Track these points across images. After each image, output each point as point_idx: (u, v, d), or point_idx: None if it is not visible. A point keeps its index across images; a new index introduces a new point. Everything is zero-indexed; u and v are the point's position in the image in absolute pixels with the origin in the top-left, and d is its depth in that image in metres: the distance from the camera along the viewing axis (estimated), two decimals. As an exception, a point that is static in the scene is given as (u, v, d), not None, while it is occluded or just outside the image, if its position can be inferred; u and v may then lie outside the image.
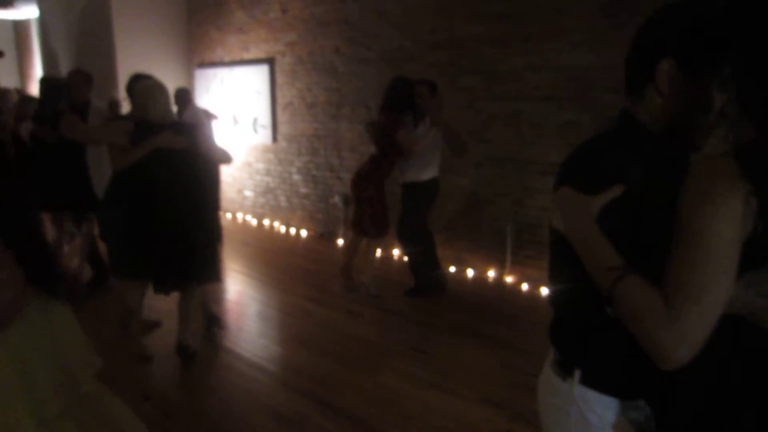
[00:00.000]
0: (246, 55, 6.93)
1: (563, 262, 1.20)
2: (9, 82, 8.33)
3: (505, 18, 4.53)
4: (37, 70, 8.49)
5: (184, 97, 5.30)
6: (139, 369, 3.30)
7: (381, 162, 4.14)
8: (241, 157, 7.30)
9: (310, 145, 6.38)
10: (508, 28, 4.52)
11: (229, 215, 7.46)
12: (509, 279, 4.80)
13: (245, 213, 7.42)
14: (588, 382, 1.17)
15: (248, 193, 7.35)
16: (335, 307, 4.16)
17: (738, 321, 0.94)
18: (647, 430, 1.15)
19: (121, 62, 6.87)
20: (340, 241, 5.99)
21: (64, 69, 7.91)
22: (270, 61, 6.60)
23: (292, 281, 4.85)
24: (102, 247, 4.00)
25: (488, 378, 3.16)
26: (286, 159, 6.71)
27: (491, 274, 4.94)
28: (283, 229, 6.78)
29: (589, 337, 1.18)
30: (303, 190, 6.59)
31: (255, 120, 6.90)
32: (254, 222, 7.20)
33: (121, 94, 5.52)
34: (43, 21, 8.17)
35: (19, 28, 9.86)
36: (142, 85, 3.17)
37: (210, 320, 3.79)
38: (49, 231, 4.27)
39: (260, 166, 7.09)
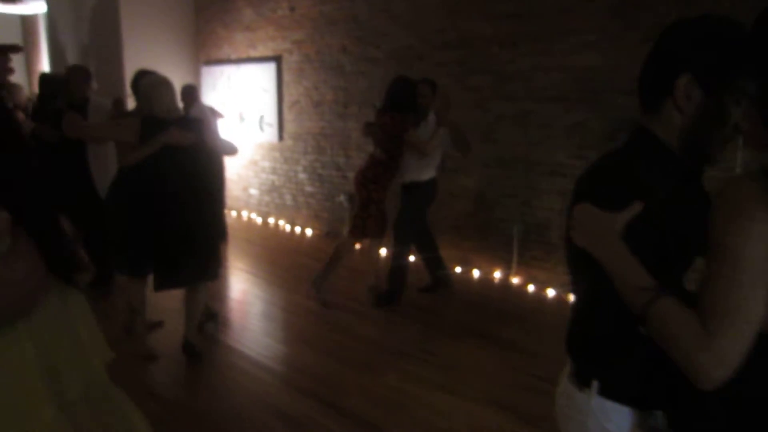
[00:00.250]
0: (253, 53, 6.92)
1: (584, 277, 1.22)
2: (16, 77, 8.34)
3: (515, 18, 4.50)
4: (45, 66, 8.50)
5: (191, 93, 5.30)
6: (143, 368, 3.28)
7: (388, 163, 4.03)
8: (246, 155, 7.29)
9: (317, 144, 6.36)
10: (517, 28, 4.49)
11: (234, 213, 7.45)
12: (515, 280, 4.77)
13: (250, 211, 7.41)
14: (606, 392, 1.16)
15: (253, 191, 7.34)
16: (340, 307, 4.14)
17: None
18: None
19: (128, 59, 6.86)
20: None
21: (70, 65, 7.91)
22: (277, 59, 6.58)
23: (297, 280, 4.83)
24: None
25: (495, 380, 3.13)
26: (292, 157, 6.70)
27: (497, 275, 4.91)
28: (288, 227, 6.77)
29: (608, 348, 1.18)
30: (309, 188, 6.57)
31: (261, 118, 6.89)
32: (259, 220, 7.19)
33: (127, 90, 5.55)
34: (51, 17, 8.18)
35: (27, 23, 9.86)
36: (148, 81, 3.16)
37: (206, 315, 3.75)
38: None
39: (266, 164, 7.07)
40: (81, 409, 1.09)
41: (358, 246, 4.49)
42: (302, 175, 6.61)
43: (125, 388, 1.33)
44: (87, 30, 7.49)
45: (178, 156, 3.07)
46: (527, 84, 4.51)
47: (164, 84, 3.13)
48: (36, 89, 7.99)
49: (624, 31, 3.98)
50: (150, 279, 3.27)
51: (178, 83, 3.78)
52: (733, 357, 0.90)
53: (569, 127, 4.34)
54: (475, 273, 5.01)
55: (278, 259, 5.54)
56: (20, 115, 4.90)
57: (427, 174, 4.19)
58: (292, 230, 6.68)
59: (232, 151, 3.44)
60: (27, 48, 9.93)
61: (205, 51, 7.61)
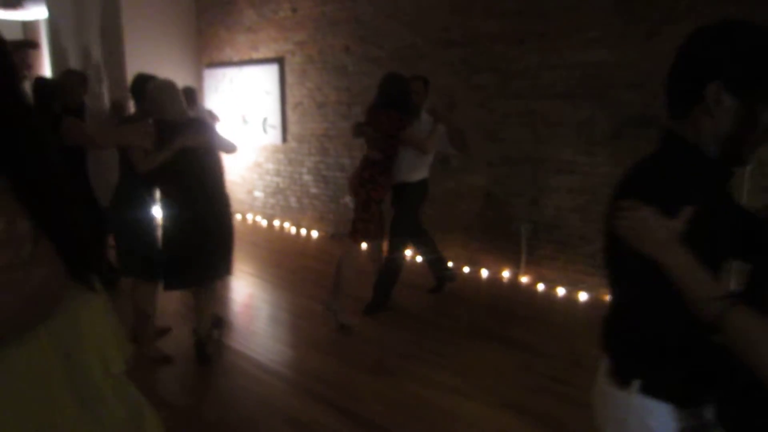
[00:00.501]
0: (255, 55, 6.89)
1: (626, 277, 1.22)
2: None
3: (520, 15, 4.45)
4: (46, 72, 8.48)
5: (190, 96, 5.27)
6: (151, 375, 3.25)
7: (385, 163, 3.83)
8: (250, 158, 7.26)
9: (321, 145, 6.33)
10: (522, 25, 4.45)
11: (239, 216, 7.42)
12: (524, 279, 4.73)
13: (255, 214, 7.38)
14: (648, 391, 1.17)
15: (258, 193, 7.31)
16: (348, 309, 4.09)
17: None
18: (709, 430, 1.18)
19: (130, 63, 6.83)
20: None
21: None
22: (280, 61, 6.55)
23: (304, 283, 4.80)
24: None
25: (509, 382, 3.09)
26: (296, 159, 6.67)
27: (506, 274, 4.87)
28: (293, 229, 6.74)
29: (650, 347, 1.18)
30: (313, 190, 6.54)
31: (264, 120, 6.86)
32: (264, 223, 7.16)
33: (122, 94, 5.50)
34: (52, 22, 8.15)
35: (28, 29, 9.85)
36: (159, 85, 3.15)
37: (212, 322, 3.72)
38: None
39: (270, 166, 7.04)
40: (105, 401, 1.10)
41: (364, 246, 4.34)
42: (307, 177, 6.58)
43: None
44: (89, 34, 7.45)
45: (192, 158, 3.13)
46: (533, 81, 4.47)
47: (173, 87, 3.15)
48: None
49: (630, 26, 3.94)
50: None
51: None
52: None
53: (576, 124, 4.30)
54: (484, 273, 4.97)
55: (284, 261, 5.51)
56: None
57: (419, 174, 4.05)
58: (298, 232, 6.65)
59: (232, 149, 3.45)
60: (28, 53, 9.92)
61: (207, 53, 7.58)
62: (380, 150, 3.78)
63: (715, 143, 1.13)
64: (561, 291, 4.48)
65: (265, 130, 6.89)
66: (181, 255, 3.18)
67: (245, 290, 4.72)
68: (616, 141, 4.11)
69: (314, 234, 6.49)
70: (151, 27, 7.11)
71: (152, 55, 6.96)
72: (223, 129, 7.06)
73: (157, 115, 3.10)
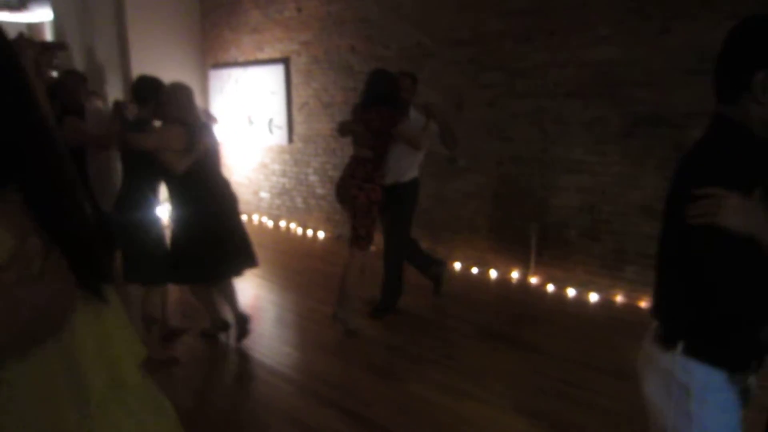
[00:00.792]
0: (260, 55, 6.86)
1: (679, 250, 1.33)
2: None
3: (528, 13, 4.40)
4: (52, 73, 8.48)
5: None
6: (157, 378, 3.21)
7: (376, 160, 3.64)
8: (256, 159, 7.24)
9: (327, 146, 6.29)
10: (531, 23, 4.39)
11: (245, 217, 7.38)
12: (534, 280, 4.68)
13: (261, 215, 7.36)
14: (691, 352, 1.30)
15: (264, 194, 7.28)
16: (356, 312, 4.05)
17: None
18: (749, 393, 1.32)
19: (135, 64, 6.82)
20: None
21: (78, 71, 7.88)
22: (285, 61, 6.51)
23: (310, 284, 4.76)
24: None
25: (519, 385, 3.04)
26: (302, 160, 6.63)
27: (515, 275, 4.81)
28: (299, 230, 6.70)
29: (696, 312, 1.30)
30: (320, 191, 6.50)
31: (270, 121, 6.83)
32: (270, 224, 7.13)
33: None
34: (57, 24, 8.16)
35: (34, 31, 9.88)
36: (180, 86, 3.23)
37: (220, 325, 3.74)
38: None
39: (276, 167, 7.01)
40: (110, 407, 1.08)
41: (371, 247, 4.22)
42: (313, 178, 6.54)
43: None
44: (93, 36, 7.45)
45: (206, 159, 3.28)
46: (542, 80, 4.41)
47: (191, 89, 3.28)
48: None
49: (640, 23, 3.88)
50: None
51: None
52: None
53: (586, 123, 4.24)
54: (493, 273, 4.91)
55: (291, 263, 5.48)
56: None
57: (411, 173, 3.93)
58: (304, 233, 6.61)
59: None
60: (57, 55, 9.96)
61: (212, 54, 7.56)
62: (370, 148, 3.63)
63: (763, 128, 1.20)
64: (571, 292, 4.43)
65: (270, 131, 6.86)
66: (190, 252, 3.26)
67: (251, 292, 4.69)
68: (627, 140, 4.05)
69: (321, 235, 6.45)
70: (156, 28, 7.09)
71: (157, 57, 6.94)
72: (221, 130, 7.06)
73: (178, 117, 3.15)
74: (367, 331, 3.78)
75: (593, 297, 4.30)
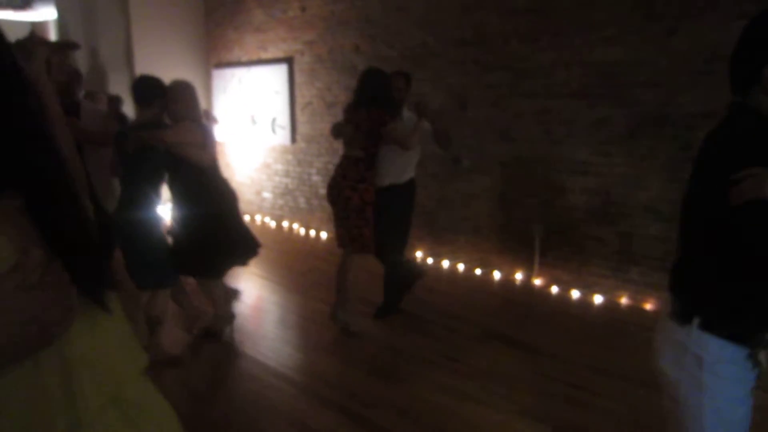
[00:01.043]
0: (264, 55, 6.84)
1: (701, 228, 1.41)
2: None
3: (533, 12, 4.37)
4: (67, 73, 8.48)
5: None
6: (158, 380, 3.20)
7: (368, 159, 3.58)
8: (259, 159, 7.22)
9: (330, 146, 6.26)
10: (536, 23, 4.36)
11: (247, 217, 7.37)
12: (538, 281, 4.65)
13: (264, 215, 7.34)
14: (706, 327, 1.37)
15: (267, 194, 7.26)
16: (360, 314, 4.02)
17: None
18: (761, 368, 1.37)
19: (138, 63, 6.82)
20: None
21: (82, 70, 7.88)
22: (288, 61, 6.49)
23: (313, 285, 4.74)
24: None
25: (524, 388, 3.01)
26: (305, 160, 6.61)
27: (519, 276, 4.78)
28: (302, 231, 6.68)
29: (712, 288, 1.38)
30: (323, 191, 6.47)
31: (273, 120, 6.81)
32: (273, 224, 7.11)
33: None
34: (61, 23, 8.16)
35: (38, 30, 9.88)
36: (187, 85, 3.30)
37: (225, 320, 3.76)
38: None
39: (279, 167, 6.99)
40: (107, 413, 1.03)
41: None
42: (316, 178, 6.52)
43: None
44: (97, 35, 7.45)
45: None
46: (547, 80, 4.38)
47: (194, 87, 3.36)
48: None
49: (646, 23, 3.85)
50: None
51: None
52: None
53: (591, 124, 4.21)
54: (496, 275, 4.88)
55: (294, 263, 5.45)
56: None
57: (407, 175, 3.88)
58: (307, 233, 6.59)
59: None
60: (69, 55, 9.97)
61: (216, 54, 7.54)
62: (362, 149, 3.57)
63: None
64: (575, 294, 4.39)
65: (273, 131, 6.84)
66: (192, 250, 3.31)
67: (254, 293, 4.67)
68: (633, 141, 4.02)
69: (323, 235, 6.42)
70: (159, 28, 7.08)
71: (161, 56, 6.94)
72: (224, 130, 7.04)
73: (187, 115, 3.21)
74: (370, 333, 3.75)
75: (598, 299, 4.27)
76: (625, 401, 2.83)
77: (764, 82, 1.24)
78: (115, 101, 3.70)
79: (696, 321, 1.39)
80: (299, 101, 6.53)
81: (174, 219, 3.45)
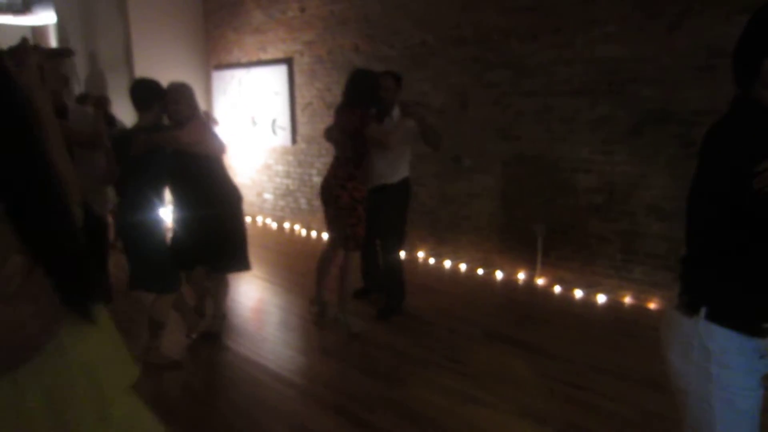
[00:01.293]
0: (263, 56, 6.82)
1: (711, 218, 1.40)
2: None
3: (533, 10, 4.34)
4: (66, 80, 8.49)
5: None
6: (158, 384, 3.18)
7: (357, 159, 3.57)
8: (260, 160, 7.20)
9: (330, 147, 6.22)
10: (536, 20, 4.33)
11: (248, 219, 7.35)
12: (540, 281, 4.61)
13: (265, 216, 7.32)
14: (713, 317, 1.38)
15: (268, 195, 7.25)
16: (361, 315, 3.99)
17: None
18: None
19: (138, 66, 6.81)
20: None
21: (81, 74, 7.89)
22: (288, 61, 6.47)
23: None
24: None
25: (526, 389, 2.98)
26: (305, 161, 6.59)
27: (521, 276, 4.75)
28: (304, 232, 6.66)
29: (718, 278, 1.40)
30: (323, 192, 6.45)
31: (274, 121, 6.79)
32: (274, 225, 7.09)
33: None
34: (60, 26, 8.16)
35: (38, 33, 9.88)
36: (186, 86, 3.32)
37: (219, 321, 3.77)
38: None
39: (279, 168, 6.97)
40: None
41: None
42: (317, 179, 6.49)
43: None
44: (96, 39, 7.45)
45: (210, 161, 3.42)
46: (548, 78, 4.35)
47: (192, 88, 3.40)
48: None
49: (648, 20, 3.81)
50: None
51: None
52: None
53: (593, 122, 4.18)
54: (498, 275, 4.85)
55: (295, 265, 5.42)
56: None
57: (399, 174, 3.85)
58: (308, 235, 6.56)
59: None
60: (63, 63, 9.98)
61: (215, 55, 7.53)
62: (350, 148, 3.56)
63: None
64: (578, 293, 4.36)
65: (274, 132, 6.82)
66: (191, 246, 3.37)
67: (255, 295, 4.65)
68: (635, 138, 3.98)
69: (325, 236, 6.39)
70: (158, 30, 7.07)
71: (160, 59, 6.92)
72: (225, 132, 7.01)
73: (190, 115, 3.24)
74: (372, 334, 3.72)
75: (601, 298, 4.23)
76: (629, 403, 2.79)
77: (763, 76, 1.25)
78: (101, 102, 3.64)
79: (702, 312, 1.40)
80: (299, 102, 6.51)
81: (176, 221, 3.44)
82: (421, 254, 5.44)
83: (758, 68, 1.25)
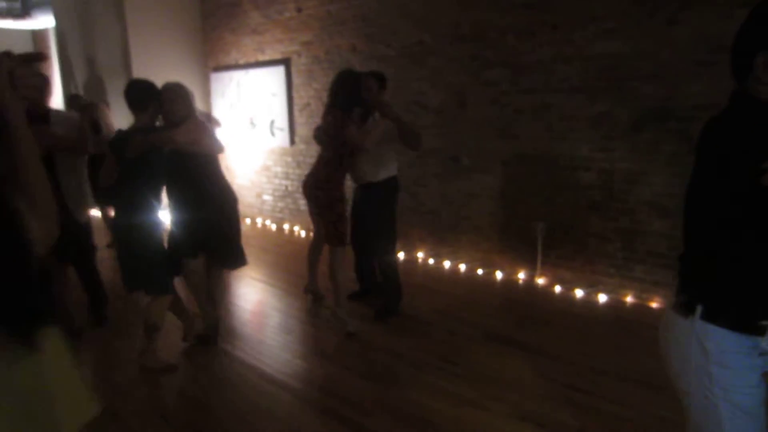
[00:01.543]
0: (261, 57, 6.79)
1: (707, 219, 1.40)
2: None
3: (531, 7, 4.29)
4: (56, 79, 8.49)
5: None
6: (154, 389, 3.14)
7: (338, 161, 3.62)
8: (259, 161, 7.17)
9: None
10: (534, 17, 4.28)
11: (248, 220, 7.32)
12: (541, 281, 4.57)
13: (264, 218, 7.29)
14: (708, 316, 1.38)
15: (267, 197, 7.21)
16: (360, 317, 3.96)
17: None
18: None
19: (136, 68, 6.79)
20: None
21: (80, 77, 7.88)
22: (286, 62, 6.44)
23: (314, 288, 4.67)
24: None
25: (525, 391, 2.93)
26: (304, 161, 6.55)
27: (521, 276, 4.70)
28: (303, 233, 6.62)
29: (714, 278, 1.39)
30: (323, 193, 6.42)
31: (272, 123, 6.76)
32: (273, 227, 7.06)
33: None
34: (59, 30, 8.16)
35: (38, 37, 9.90)
36: (182, 85, 3.33)
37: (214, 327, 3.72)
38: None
39: (278, 169, 6.94)
40: None
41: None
42: (316, 180, 6.46)
43: (135, 412, 1.16)
44: (95, 41, 7.44)
45: (207, 162, 3.44)
46: (547, 75, 4.30)
47: (188, 89, 3.42)
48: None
49: (647, 16, 3.76)
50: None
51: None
52: None
53: (593, 119, 4.13)
54: (498, 274, 4.81)
55: (294, 267, 5.38)
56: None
57: (385, 173, 3.82)
58: (308, 236, 6.52)
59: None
60: (38, 67, 9.99)
61: (213, 57, 7.50)
62: (332, 150, 3.61)
63: None
64: (579, 293, 4.31)
65: (272, 133, 6.79)
66: (186, 239, 3.38)
67: (254, 297, 4.61)
68: (635, 135, 3.93)
69: (324, 237, 6.36)
70: (156, 33, 7.05)
71: (158, 62, 6.91)
72: (224, 133, 6.99)
73: (187, 114, 3.26)
74: (370, 336, 3.68)
75: (602, 298, 4.18)
76: (631, 405, 2.74)
77: (757, 71, 1.25)
78: (89, 108, 3.59)
79: (698, 311, 1.39)
80: (297, 103, 6.47)
81: (173, 223, 3.42)
82: (420, 254, 5.40)
83: (751, 63, 1.26)
